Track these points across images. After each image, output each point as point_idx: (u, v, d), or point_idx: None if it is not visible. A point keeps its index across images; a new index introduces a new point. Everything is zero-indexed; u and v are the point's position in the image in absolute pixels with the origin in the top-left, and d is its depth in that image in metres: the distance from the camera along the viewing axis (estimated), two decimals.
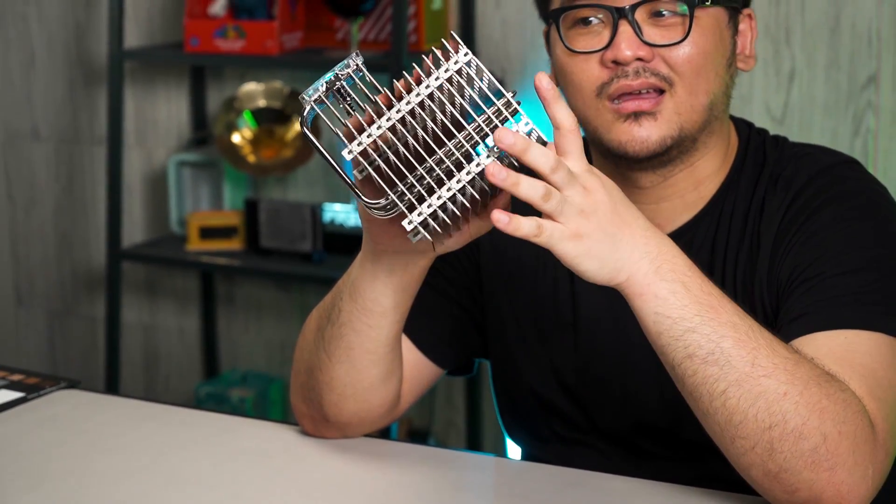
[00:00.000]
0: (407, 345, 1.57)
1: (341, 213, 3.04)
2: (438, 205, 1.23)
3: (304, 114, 1.26)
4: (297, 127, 3.07)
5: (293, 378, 1.56)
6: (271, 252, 3.01)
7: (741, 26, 1.55)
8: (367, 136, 1.23)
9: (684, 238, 1.51)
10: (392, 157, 1.24)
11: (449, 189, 1.22)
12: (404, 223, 1.23)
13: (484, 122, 1.23)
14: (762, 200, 1.51)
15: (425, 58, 1.23)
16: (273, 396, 3.21)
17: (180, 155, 3.19)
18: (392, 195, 1.24)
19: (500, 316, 1.62)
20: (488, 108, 1.23)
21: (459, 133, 1.23)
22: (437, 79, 1.22)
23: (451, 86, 1.23)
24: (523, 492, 1.44)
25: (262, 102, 3.09)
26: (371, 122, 1.23)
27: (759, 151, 1.55)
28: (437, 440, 3.12)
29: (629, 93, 1.46)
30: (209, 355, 3.35)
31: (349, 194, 3.08)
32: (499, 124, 1.22)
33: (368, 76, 1.26)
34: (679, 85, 1.47)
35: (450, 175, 1.23)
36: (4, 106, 3.49)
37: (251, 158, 3.07)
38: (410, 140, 1.23)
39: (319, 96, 1.25)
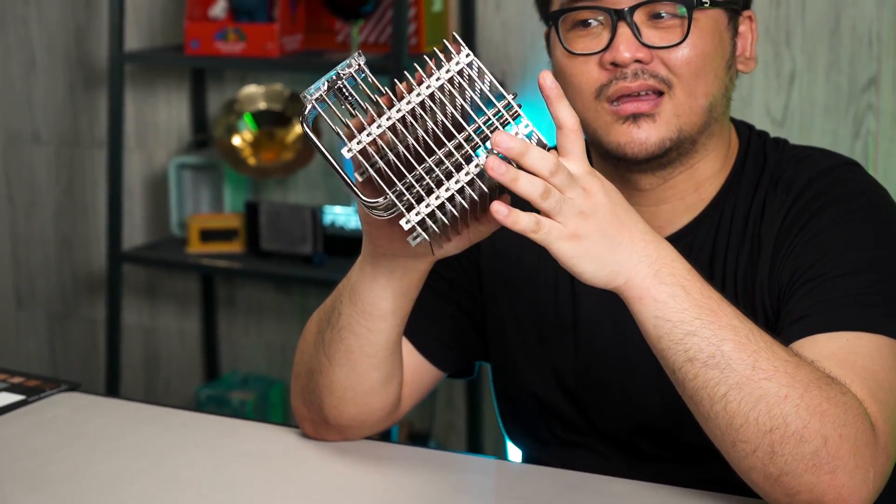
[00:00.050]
0: (407, 348, 1.57)
1: (342, 216, 3.04)
2: (437, 205, 1.22)
3: (305, 112, 1.26)
4: (297, 129, 3.07)
5: (294, 381, 1.56)
6: (272, 254, 3.01)
7: (741, 28, 1.54)
8: (368, 135, 1.23)
9: (684, 240, 1.51)
10: (392, 157, 1.24)
11: (447, 189, 1.22)
12: (402, 222, 1.23)
13: (484, 123, 1.23)
14: (763, 203, 1.51)
15: (427, 58, 1.23)
16: (273, 399, 3.21)
17: (181, 157, 3.19)
18: (391, 194, 1.24)
19: (501, 318, 1.62)
20: (489, 110, 1.23)
21: (459, 134, 1.22)
22: (438, 79, 1.22)
23: (453, 87, 1.22)
24: (524, 494, 1.44)
25: (262, 105, 3.09)
26: (372, 123, 1.23)
27: (759, 154, 1.55)
28: (438, 443, 3.11)
29: (628, 95, 1.46)
30: (210, 358, 3.35)
31: (349, 197, 3.07)
32: (499, 126, 1.22)
33: (370, 76, 1.26)
34: (678, 87, 1.47)
35: (449, 176, 1.22)
36: (5, 108, 3.49)
37: (251, 161, 3.07)
38: (410, 140, 1.23)
39: (321, 95, 1.25)
